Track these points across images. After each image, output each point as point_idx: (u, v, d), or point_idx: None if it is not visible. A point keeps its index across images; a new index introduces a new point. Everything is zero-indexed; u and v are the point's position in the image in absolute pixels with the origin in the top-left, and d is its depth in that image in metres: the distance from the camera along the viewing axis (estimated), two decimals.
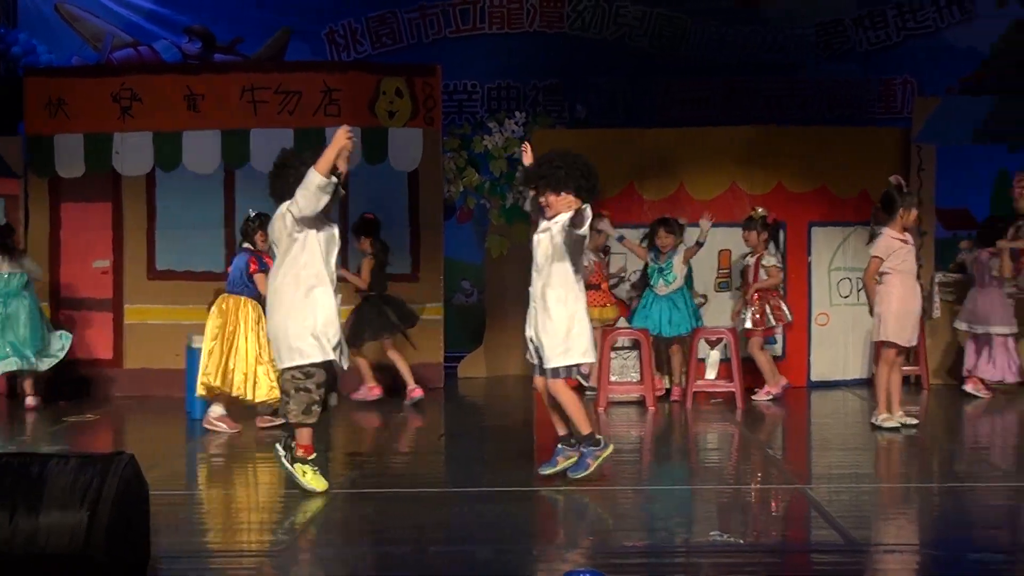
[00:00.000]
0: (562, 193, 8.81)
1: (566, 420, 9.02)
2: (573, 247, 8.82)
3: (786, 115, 16.75)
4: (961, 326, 13.57)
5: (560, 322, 8.83)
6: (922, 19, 17.17)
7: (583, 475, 8.90)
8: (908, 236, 11.26)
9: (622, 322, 13.56)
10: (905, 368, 12.57)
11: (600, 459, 8.93)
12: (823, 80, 17.29)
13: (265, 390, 11.50)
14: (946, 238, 15.17)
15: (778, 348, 13.87)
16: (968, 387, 13.28)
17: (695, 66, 17.40)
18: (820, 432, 12.00)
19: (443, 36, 17.46)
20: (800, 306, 13.92)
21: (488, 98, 17.37)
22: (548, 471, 9.02)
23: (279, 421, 10.62)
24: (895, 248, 11.12)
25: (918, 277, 11.44)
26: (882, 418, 11.28)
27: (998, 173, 17.68)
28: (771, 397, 13.07)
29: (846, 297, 14.11)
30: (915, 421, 11.39)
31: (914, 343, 11.56)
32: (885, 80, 17.31)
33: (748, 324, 13.08)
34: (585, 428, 8.94)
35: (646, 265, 13.27)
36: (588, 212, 8.66)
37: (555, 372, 8.86)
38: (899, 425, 11.22)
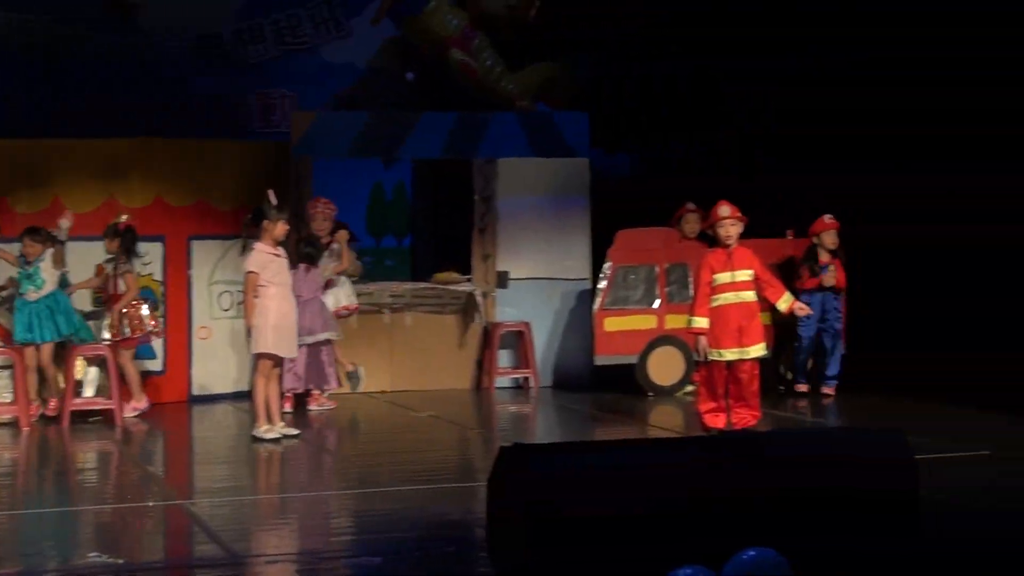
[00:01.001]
0: None
1: None
2: None
3: (167, 128, 16.57)
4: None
5: None
6: (300, 34, 17.45)
7: None
8: (280, 249, 11.44)
9: None
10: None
11: None
12: (204, 93, 17.24)
13: None
14: None
15: (159, 363, 13.73)
16: (313, 406, 13.35)
17: (73, 76, 16.92)
18: (202, 446, 11.97)
19: None
20: (181, 320, 13.85)
21: None
22: None
23: None
24: (268, 262, 11.28)
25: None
26: (263, 430, 11.40)
27: (373, 186, 18.26)
28: (138, 413, 12.87)
29: (226, 310, 14.15)
30: (295, 432, 11.58)
31: (293, 355, 11.77)
32: (264, 94, 17.46)
33: (106, 335, 12.80)
34: None
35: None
36: None
37: None
38: (279, 436, 11.37)
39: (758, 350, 10.88)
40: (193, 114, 17.07)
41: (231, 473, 10.37)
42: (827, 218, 13.80)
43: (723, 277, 10.86)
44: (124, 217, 12.88)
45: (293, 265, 12.47)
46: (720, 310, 10.84)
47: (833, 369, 13.87)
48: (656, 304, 14.17)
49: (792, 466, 6.60)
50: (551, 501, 6.20)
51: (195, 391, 14.04)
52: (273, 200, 11.41)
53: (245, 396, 13.55)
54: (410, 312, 14.79)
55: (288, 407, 12.99)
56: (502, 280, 14.99)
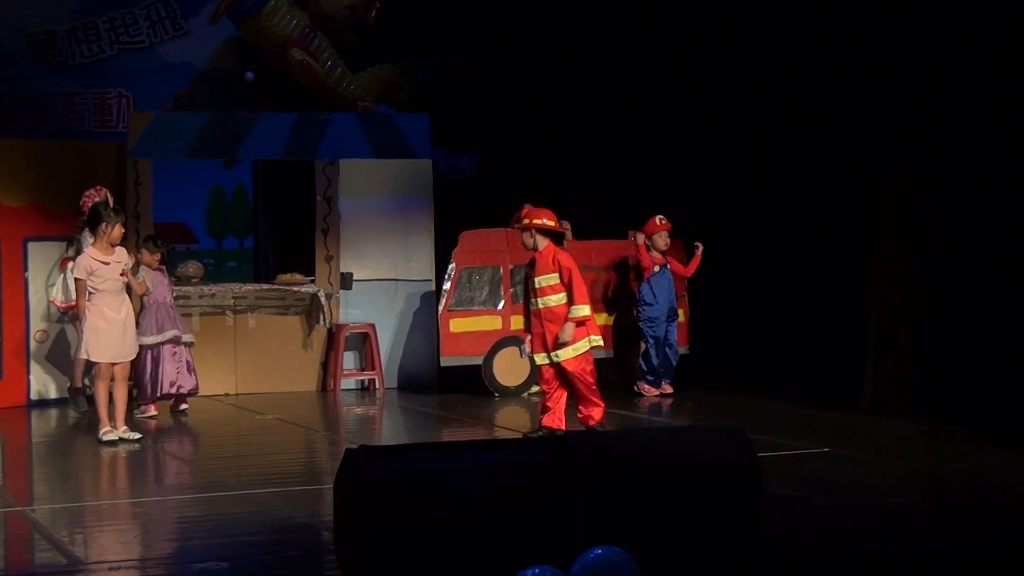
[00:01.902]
0: None
1: None
2: None
3: None
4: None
5: None
6: (135, 33, 17.20)
7: None
8: (116, 252, 11.32)
9: None
10: None
11: None
12: (37, 92, 16.92)
13: None
14: None
15: None
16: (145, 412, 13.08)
17: None
18: (42, 451, 11.78)
19: None
20: (18, 324, 13.60)
21: None
22: None
23: None
24: (94, 267, 11.20)
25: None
26: (103, 432, 11.29)
27: (214, 188, 18.09)
28: None
29: (64, 313, 13.91)
30: (137, 436, 11.46)
31: (118, 359, 11.43)
32: (100, 94, 17.19)
33: None
34: None
35: None
36: None
37: None
38: (117, 439, 11.29)
39: (571, 351, 10.94)
40: (27, 114, 16.75)
41: (72, 478, 10.21)
42: (659, 219, 13.94)
43: (529, 283, 11.01)
44: None
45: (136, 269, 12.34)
46: (531, 315, 11.00)
47: (671, 367, 14.04)
48: (501, 305, 14.23)
49: (637, 465, 6.70)
50: (398, 503, 6.21)
51: (33, 396, 13.81)
52: (109, 200, 11.31)
53: (87, 400, 13.36)
54: (253, 314, 14.70)
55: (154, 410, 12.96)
56: (346, 281, 14.96)
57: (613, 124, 16.30)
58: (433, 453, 6.86)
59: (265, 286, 14.99)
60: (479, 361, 14.16)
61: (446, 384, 14.72)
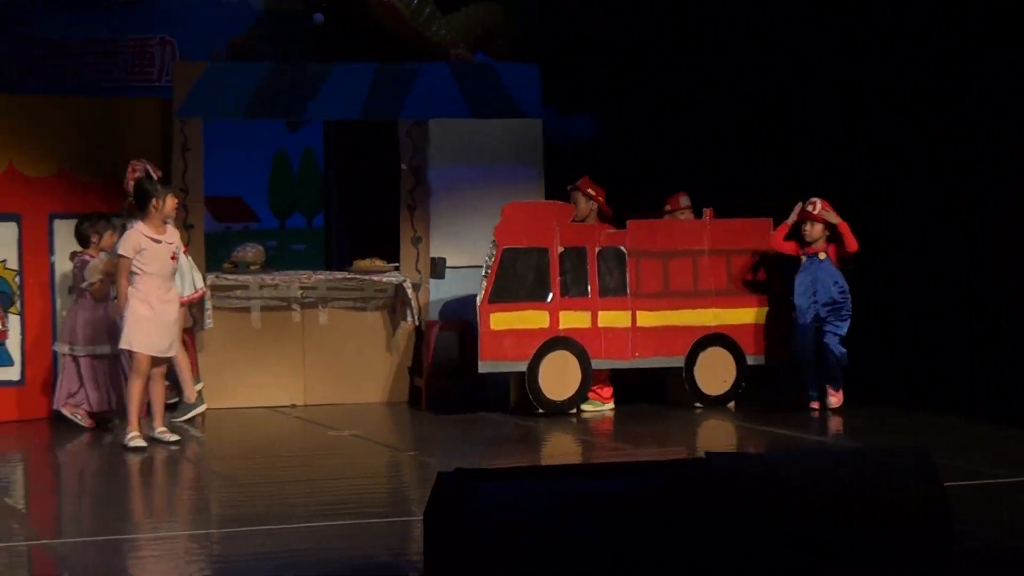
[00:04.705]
0: None
1: None
2: None
3: (14, 82, 16.45)
4: (62, 348, 13.47)
5: None
6: None
7: None
8: (167, 231, 11.82)
9: None
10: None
11: None
12: (63, 39, 17.15)
13: None
14: (218, 232, 15.46)
15: (16, 371, 13.65)
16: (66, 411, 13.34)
17: None
18: (70, 472, 12.01)
19: None
20: (43, 318, 13.74)
21: None
22: None
23: None
24: (143, 246, 11.68)
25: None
26: (131, 437, 11.79)
27: (276, 154, 18.22)
28: None
29: None
30: (175, 438, 12.10)
31: (172, 353, 12.14)
32: (139, 40, 17.39)
33: None
34: None
35: None
36: None
37: None
38: (144, 445, 11.80)
39: None
40: (51, 65, 16.96)
41: (106, 505, 10.35)
42: (813, 206, 13.68)
43: None
44: None
45: None
46: None
47: (834, 373, 13.84)
48: (549, 297, 13.87)
49: (795, 496, 6.67)
50: (502, 539, 6.24)
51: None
52: (154, 173, 11.67)
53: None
54: (325, 308, 14.78)
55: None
56: (437, 269, 14.98)
57: (764, 81, 16.07)
58: (548, 479, 6.87)
59: (339, 274, 15.06)
60: (523, 367, 13.81)
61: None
